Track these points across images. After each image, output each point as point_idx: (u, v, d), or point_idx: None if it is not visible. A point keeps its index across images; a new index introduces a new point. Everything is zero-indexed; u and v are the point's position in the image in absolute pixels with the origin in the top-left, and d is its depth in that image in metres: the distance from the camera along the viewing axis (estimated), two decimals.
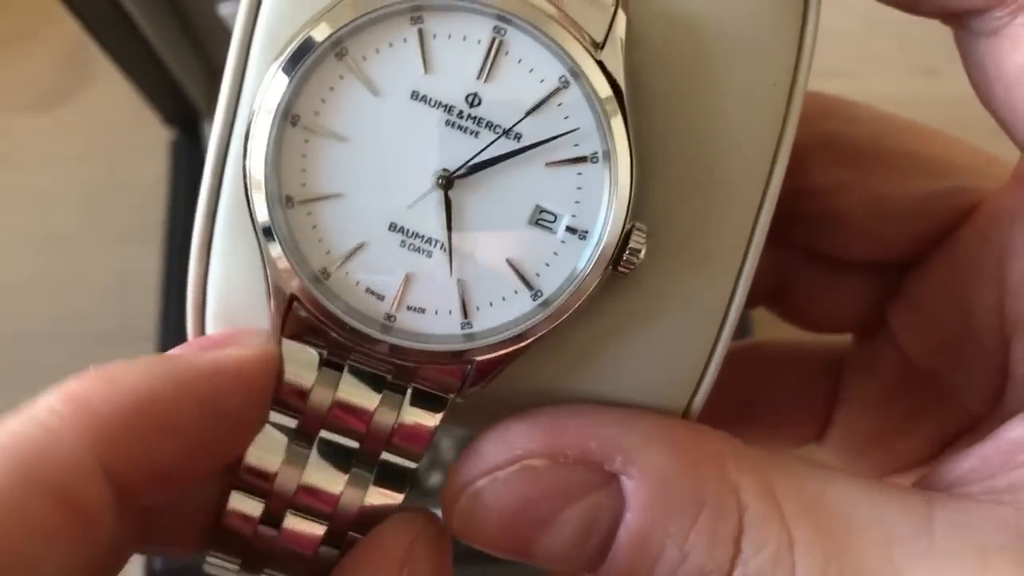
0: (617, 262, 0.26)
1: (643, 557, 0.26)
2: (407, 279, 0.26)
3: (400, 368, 0.27)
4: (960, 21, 0.28)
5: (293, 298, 0.26)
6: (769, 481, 0.26)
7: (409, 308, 0.26)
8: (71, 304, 0.64)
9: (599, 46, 0.25)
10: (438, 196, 0.25)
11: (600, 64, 0.25)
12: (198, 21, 0.58)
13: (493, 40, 0.25)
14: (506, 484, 0.27)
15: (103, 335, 0.61)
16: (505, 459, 0.27)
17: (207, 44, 0.60)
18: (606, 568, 0.27)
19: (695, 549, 0.26)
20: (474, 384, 0.27)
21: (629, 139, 0.25)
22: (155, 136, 0.65)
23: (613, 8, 0.25)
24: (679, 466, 0.26)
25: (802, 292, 0.41)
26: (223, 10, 0.52)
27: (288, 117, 0.25)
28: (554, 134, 0.25)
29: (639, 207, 0.26)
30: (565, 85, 0.25)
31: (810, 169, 0.36)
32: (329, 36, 0.25)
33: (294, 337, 0.26)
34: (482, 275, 0.26)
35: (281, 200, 0.26)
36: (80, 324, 0.62)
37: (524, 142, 0.25)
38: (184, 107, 0.62)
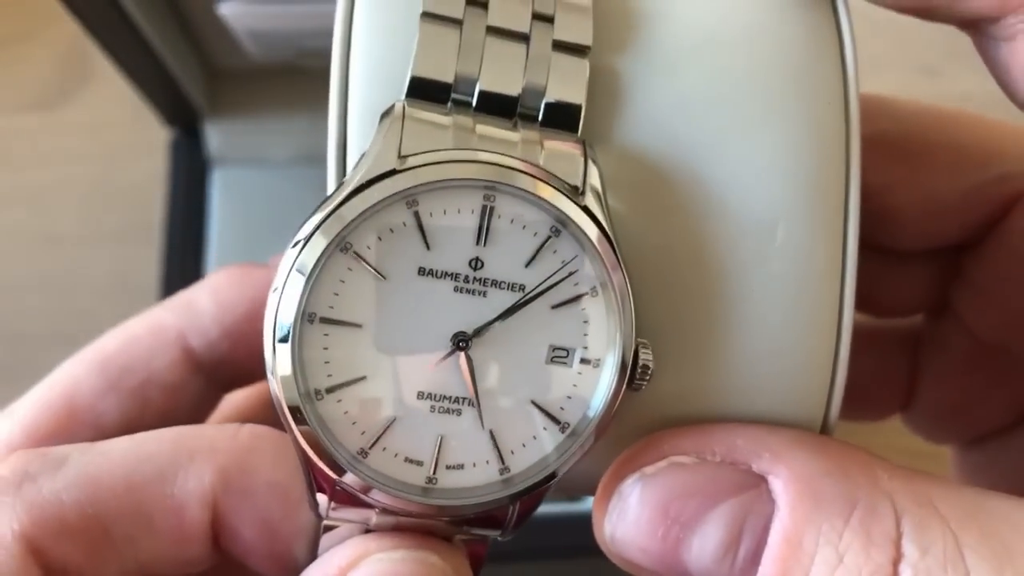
0: (631, 381, 0.27)
1: (797, 559, 0.25)
2: (442, 440, 0.27)
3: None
4: (976, 27, 0.28)
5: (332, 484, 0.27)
6: (924, 489, 0.26)
7: (448, 467, 0.27)
8: (71, 304, 0.64)
9: (579, 191, 0.27)
10: (459, 357, 0.27)
11: (584, 208, 0.26)
12: (198, 21, 0.58)
13: (484, 207, 0.26)
14: (654, 478, 0.27)
15: (103, 335, 0.61)
16: (653, 456, 0.28)
17: (207, 44, 0.60)
18: None
19: (851, 549, 0.25)
20: (517, 525, 0.28)
21: (622, 267, 0.27)
22: (155, 136, 0.65)
23: (583, 160, 0.27)
24: (827, 466, 0.26)
25: (861, 283, 0.42)
26: (223, 10, 0.52)
27: (305, 317, 0.26)
28: (555, 280, 0.27)
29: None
30: (556, 233, 0.27)
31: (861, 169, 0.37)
32: (330, 242, 0.26)
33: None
34: (511, 420, 0.27)
35: (310, 395, 0.26)
36: (79, 324, 0.61)
37: (529, 292, 0.27)
38: (183, 107, 0.61)
